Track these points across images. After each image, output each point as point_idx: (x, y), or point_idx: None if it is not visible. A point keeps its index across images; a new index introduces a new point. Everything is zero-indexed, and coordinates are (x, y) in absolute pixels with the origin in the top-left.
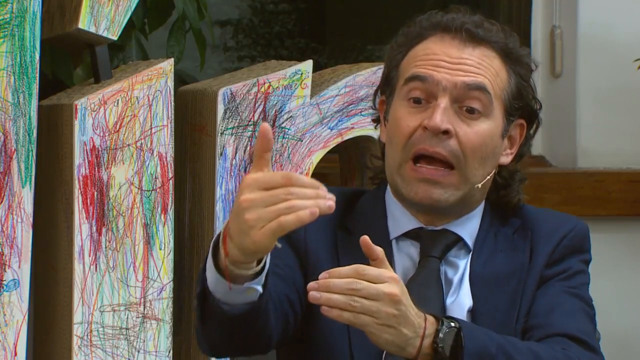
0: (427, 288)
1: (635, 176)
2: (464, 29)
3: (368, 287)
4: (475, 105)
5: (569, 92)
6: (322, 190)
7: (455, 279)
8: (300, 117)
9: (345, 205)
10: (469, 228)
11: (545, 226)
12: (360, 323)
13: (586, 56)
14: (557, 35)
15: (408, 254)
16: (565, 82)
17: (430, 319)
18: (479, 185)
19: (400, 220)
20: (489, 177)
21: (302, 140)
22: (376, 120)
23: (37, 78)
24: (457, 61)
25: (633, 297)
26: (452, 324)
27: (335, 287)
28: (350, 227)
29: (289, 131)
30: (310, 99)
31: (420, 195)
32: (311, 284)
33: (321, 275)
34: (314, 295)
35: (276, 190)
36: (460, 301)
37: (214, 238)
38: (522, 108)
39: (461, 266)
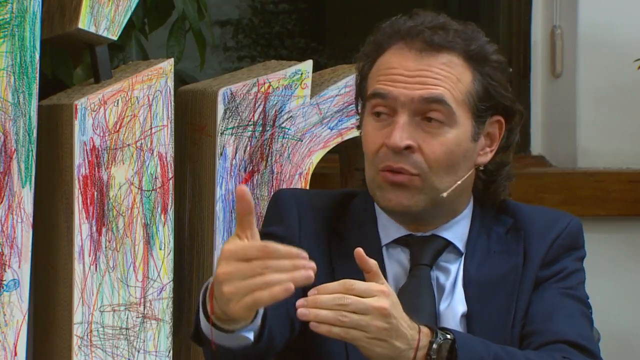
0: (418, 297)
1: (635, 176)
2: (421, 38)
3: (356, 302)
4: (436, 116)
5: (569, 92)
6: (300, 259)
7: (448, 284)
8: (300, 117)
9: (337, 210)
10: (458, 232)
11: (537, 225)
12: (350, 337)
13: (586, 56)
14: (557, 35)
15: (398, 261)
16: (565, 82)
17: (425, 330)
18: (444, 195)
19: (389, 227)
20: (459, 182)
21: (302, 140)
22: (360, 127)
23: (37, 78)
24: (414, 74)
25: (633, 297)
26: (448, 336)
27: (323, 303)
28: (342, 233)
29: (289, 131)
30: (310, 99)
31: (393, 202)
32: (300, 301)
33: (310, 292)
34: (302, 312)
35: (253, 262)
36: (454, 307)
37: (203, 288)
38: (493, 107)
39: (453, 270)
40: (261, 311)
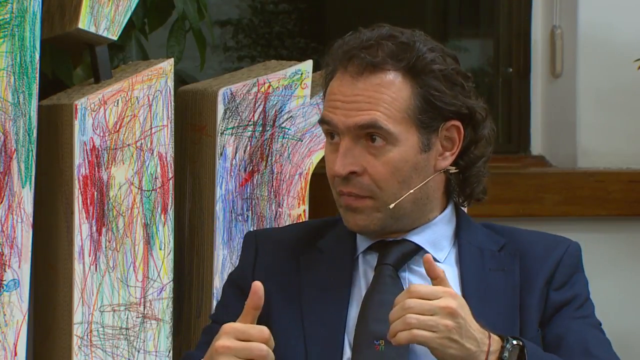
0: (384, 294)
1: (635, 176)
2: (355, 61)
3: (422, 304)
4: (376, 137)
5: (569, 92)
6: None
7: None
8: (300, 117)
9: (318, 230)
10: (429, 236)
11: (537, 247)
12: (421, 340)
13: (586, 56)
14: (557, 35)
15: (371, 266)
16: (565, 82)
17: (494, 336)
18: (391, 207)
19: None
20: (411, 191)
21: (302, 140)
22: None
23: (37, 78)
24: (350, 99)
25: (633, 297)
26: (515, 342)
27: (392, 316)
28: (321, 246)
29: (289, 131)
30: (310, 99)
31: (350, 224)
32: None
33: None
34: None
35: (251, 343)
36: None
37: None
38: (441, 114)
39: (424, 273)
40: None
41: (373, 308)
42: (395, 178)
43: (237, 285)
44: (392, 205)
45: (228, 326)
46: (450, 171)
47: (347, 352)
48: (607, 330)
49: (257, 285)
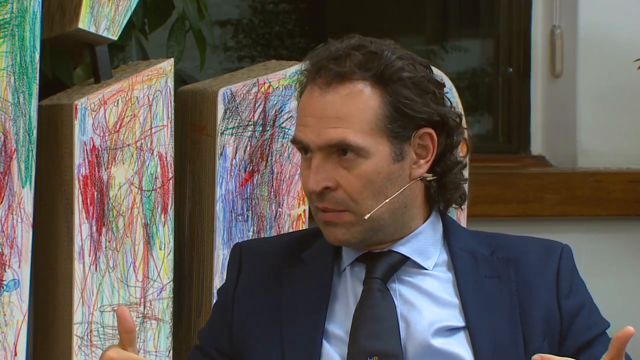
0: (375, 308)
1: (635, 176)
2: (323, 72)
3: None
4: (347, 150)
5: (569, 92)
6: None
7: (416, 298)
8: None
9: (303, 241)
10: (414, 245)
11: (530, 256)
12: None
13: (586, 56)
14: (557, 35)
15: (359, 278)
16: (565, 82)
17: None
18: (366, 217)
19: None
20: (386, 200)
21: None
22: None
23: (37, 78)
24: (319, 114)
25: (633, 297)
26: None
27: None
28: (304, 258)
29: (289, 131)
30: None
31: (331, 238)
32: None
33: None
34: None
35: None
36: (429, 318)
37: None
38: (412, 122)
39: (415, 282)
40: None
41: (365, 323)
42: (369, 190)
43: (220, 303)
44: (367, 216)
45: (107, 355)
46: (427, 179)
47: None
48: (607, 330)
49: (121, 310)
